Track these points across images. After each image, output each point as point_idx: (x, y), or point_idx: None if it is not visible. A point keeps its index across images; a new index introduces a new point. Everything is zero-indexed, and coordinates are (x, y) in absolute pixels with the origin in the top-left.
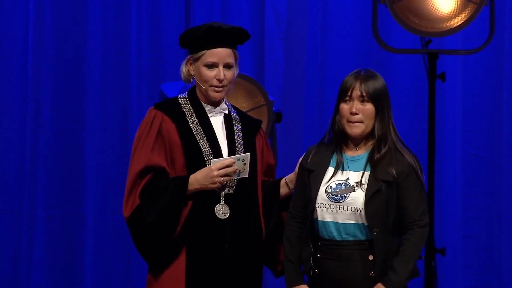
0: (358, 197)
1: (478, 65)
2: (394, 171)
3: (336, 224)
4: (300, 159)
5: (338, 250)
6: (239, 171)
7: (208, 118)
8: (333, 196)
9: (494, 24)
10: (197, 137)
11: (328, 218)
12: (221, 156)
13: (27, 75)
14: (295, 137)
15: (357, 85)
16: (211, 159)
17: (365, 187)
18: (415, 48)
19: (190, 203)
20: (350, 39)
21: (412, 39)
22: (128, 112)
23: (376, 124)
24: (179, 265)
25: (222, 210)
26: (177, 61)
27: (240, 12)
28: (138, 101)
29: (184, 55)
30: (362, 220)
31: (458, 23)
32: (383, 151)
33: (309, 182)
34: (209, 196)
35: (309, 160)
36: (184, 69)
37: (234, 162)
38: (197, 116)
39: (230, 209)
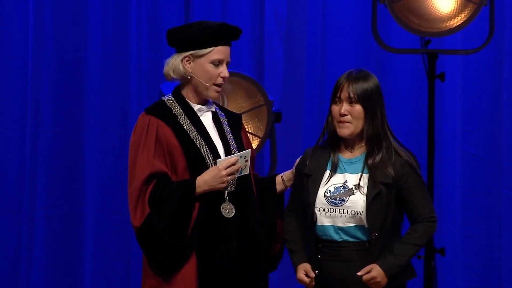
0: (357, 200)
1: (478, 65)
2: (392, 172)
3: (334, 227)
4: (297, 162)
5: (338, 251)
6: (241, 168)
7: (198, 118)
8: (332, 200)
9: (494, 24)
10: (193, 138)
11: (327, 222)
12: (218, 155)
13: (27, 75)
14: (295, 137)
15: (346, 86)
16: (211, 159)
17: (364, 190)
18: (414, 48)
19: (197, 205)
20: (350, 39)
21: (411, 39)
22: (128, 112)
23: (365, 125)
24: (190, 267)
25: (227, 209)
26: None
27: (240, 12)
28: (138, 101)
29: None
30: (362, 222)
31: (458, 23)
32: (379, 152)
33: (307, 186)
34: (214, 196)
35: (306, 165)
36: (180, 66)
37: (238, 160)
38: (188, 118)
39: (234, 207)
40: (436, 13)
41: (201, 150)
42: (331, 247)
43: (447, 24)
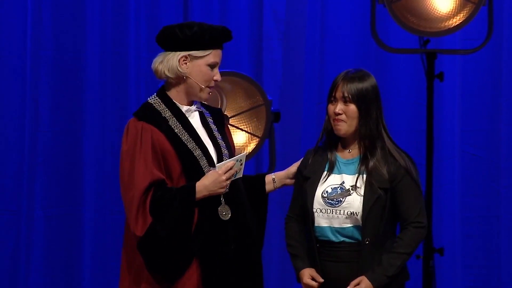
0: (353, 201)
1: (477, 64)
2: (387, 176)
3: (331, 228)
4: (299, 163)
5: (336, 252)
6: (236, 171)
7: (187, 119)
8: (329, 201)
9: (493, 23)
10: (185, 142)
11: (324, 223)
12: (211, 157)
13: (25, 74)
14: (293, 137)
15: (341, 85)
16: (205, 162)
17: (360, 191)
18: (413, 48)
19: (196, 210)
20: (349, 39)
21: (410, 39)
22: (127, 112)
23: (360, 125)
24: (192, 272)
25: (224, 211)
26: None
27: (238, 12)
28: (136, 101)
29: None
30: (358, 222)
31: (457, 23)
32: (374, 153)
33: (306, 188)
34: (211, 199)
35: (307, 167)
36: (177, 66)
37: (235, 164)
38: (178, 120)
39: (230, 208)
40: (435, 13)
41: (195, 153)
42: (328, 248)
43: (446, 24)
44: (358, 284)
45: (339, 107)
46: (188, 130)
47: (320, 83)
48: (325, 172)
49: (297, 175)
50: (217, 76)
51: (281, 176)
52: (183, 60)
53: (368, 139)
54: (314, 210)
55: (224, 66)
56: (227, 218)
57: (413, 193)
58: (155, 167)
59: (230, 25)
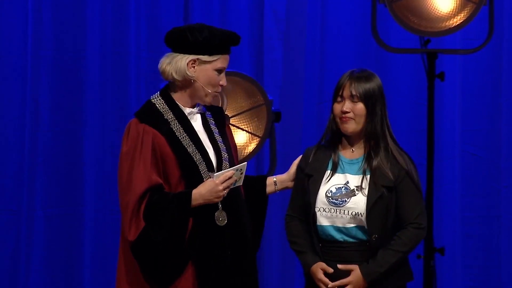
0: (359, 202)
1: (477, 64)
2: (391, 175)
3: (334, 227)
4: (297, 161)
5: (339, 251)
6: (236, 180)
7: (189, 122)
8: (333, 201)
9: (493, 23)
10: (186, 146)
11: (326, 222)
12: (211, 162)
13: (25, 74)
14: (294, 137)
15: (348, 84)
16: (204, 167)
17: (365, 191)
18: (414, 47)
19: (192, 215)
20: (349, 38)
21: (411, 38)
22: (127, 112)
23: (366, 123)
24: (188, 277)
25: (221, 217)
26: None
27: (239, 12)
28: (137, 101)
29: None
30: (363, 223)
31: (457, 23)
32: (378, 153)
33: (308, 186)
34: (208, 205)
35: (308, 165)
36: (185, 69)
37: (234, 173)
38: (180, 123)
39: (226, 214)
40: (436, 13)
41: (195, 158)
42: (332, 247)
43: (446, 24)
44: (349, 272)
45: (347, 105)
46: (189, 133)
47: (321, 83)
48: (328, 171)
49: (298, 172)
50: (223, 81)
51: (283, 179)
52: (192, 64)
53: (373, 138)
54: (317, 209)
55: None
56: (223, 224)
57: (413, 194)
58: (154, 171)
59: (230, 25)
